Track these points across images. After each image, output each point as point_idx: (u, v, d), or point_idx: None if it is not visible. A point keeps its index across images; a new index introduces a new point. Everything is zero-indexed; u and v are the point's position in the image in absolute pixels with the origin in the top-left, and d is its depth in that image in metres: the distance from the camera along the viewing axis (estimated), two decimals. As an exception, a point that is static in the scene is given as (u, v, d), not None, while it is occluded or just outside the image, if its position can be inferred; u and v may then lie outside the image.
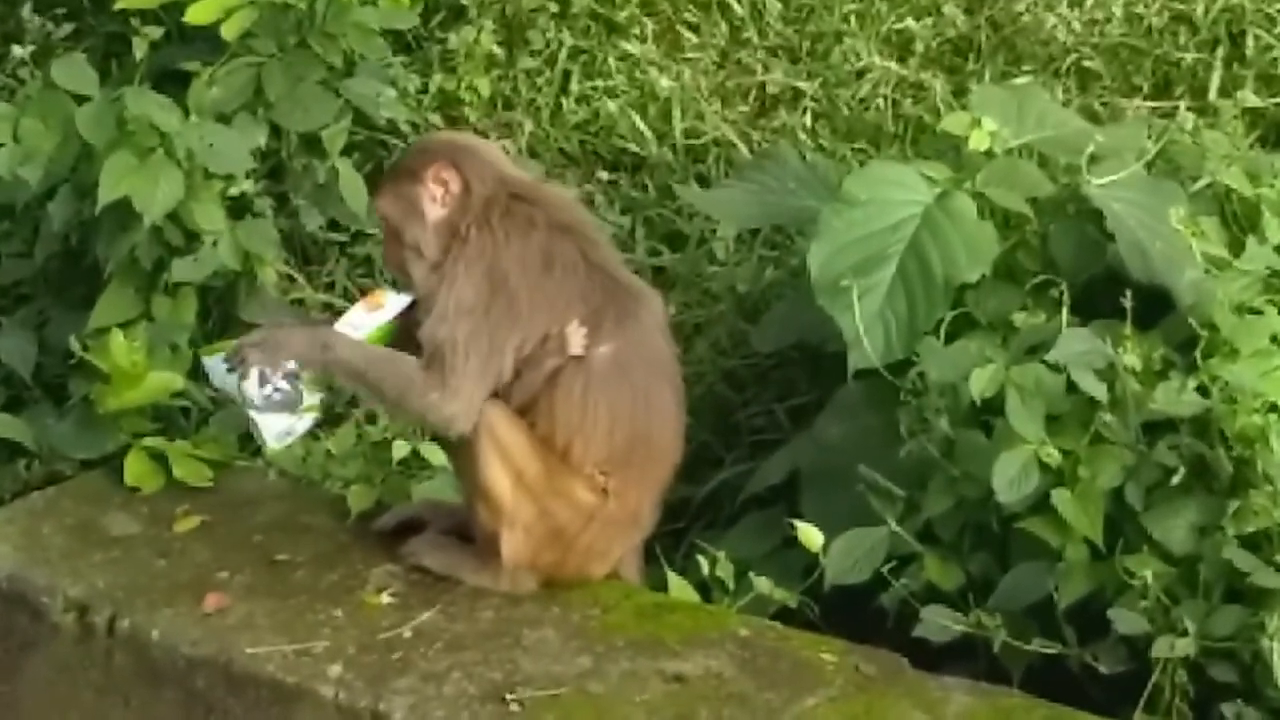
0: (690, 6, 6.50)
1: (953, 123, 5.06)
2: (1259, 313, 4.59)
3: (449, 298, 4.23)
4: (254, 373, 4.26)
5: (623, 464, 4.29)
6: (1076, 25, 6.22)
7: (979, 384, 4.51)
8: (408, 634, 4.23)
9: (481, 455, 4.22)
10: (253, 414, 4.32)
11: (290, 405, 4.29)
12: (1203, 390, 4.40)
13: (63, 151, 5.30)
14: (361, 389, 4.34)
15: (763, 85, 6.38)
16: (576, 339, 4.25)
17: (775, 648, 4.17)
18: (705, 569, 4.48)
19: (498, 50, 6.36)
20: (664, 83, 6.29)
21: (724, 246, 5.86)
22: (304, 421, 4.35)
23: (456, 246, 4.26)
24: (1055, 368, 4.50)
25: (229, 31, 5.47)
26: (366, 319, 4.34)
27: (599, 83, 6.37)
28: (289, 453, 4.82)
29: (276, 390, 4.27)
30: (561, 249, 4.27)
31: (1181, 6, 6.20)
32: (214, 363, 4.37)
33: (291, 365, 4.27)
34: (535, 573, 4.34)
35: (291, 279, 5.78)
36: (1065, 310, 4.65)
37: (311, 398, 4.31)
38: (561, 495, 4.27)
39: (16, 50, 5.77)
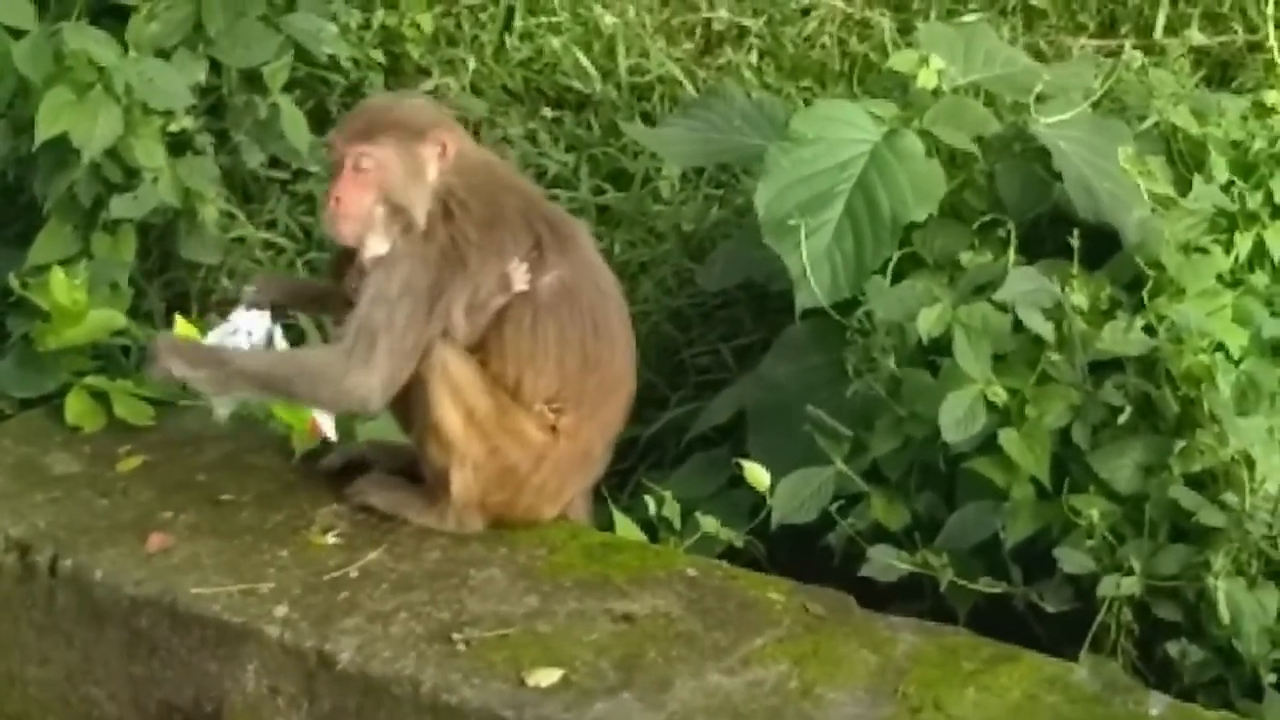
0: (634, -58, 6.47)
1: (900, 61, 5.05)
2: (1205, 252, 4.60)
3: (392, 280, 4.17)
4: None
5: (575, 397, 4.27)
6: (1022, -37, 6.21)
7: (926, 323, 4.50)
8: (354, 574, 4.21)
9: (433, 392, 4.19)
10: None
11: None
12: (1149, 330, 4.42)
13: (-1, 87, 5.24)
14: (268, 394, 4.29)
15: (708, 22, 6.35)
16: (519, 275, 4.23)
17: (723, 587, 4.17)
18: (652, 509, 4.47)
19: (440, -15, 6.32)
20: (608, 19, 6.26)
21: (669, 185, 5.84)
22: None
23: (411, 224, 4.20)
24: (1002, 307, 4.50)
25: (168, -35, 5.41)
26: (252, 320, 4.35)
27: (543, 19, 6.33)
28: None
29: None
30: (504, 204, 4.25)
31: (1126, -56, 6.20)
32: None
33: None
34: (484, 513, 4.32)
35: (232, 216, 5.73)
36: (1012, 249, 4.65)
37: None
38: (513, 434, 4.25)
39: (-49, -17, 5.69)
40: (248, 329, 4.33)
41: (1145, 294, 4.49)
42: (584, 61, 6.21)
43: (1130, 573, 4.17)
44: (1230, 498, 4.18)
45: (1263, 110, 4.88)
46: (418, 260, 4.18)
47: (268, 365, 4.26)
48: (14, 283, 4.95)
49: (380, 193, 4.19)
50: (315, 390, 4.24)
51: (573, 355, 4.25)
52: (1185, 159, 4.84)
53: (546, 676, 3.90)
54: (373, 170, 4.18)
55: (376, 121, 4.24)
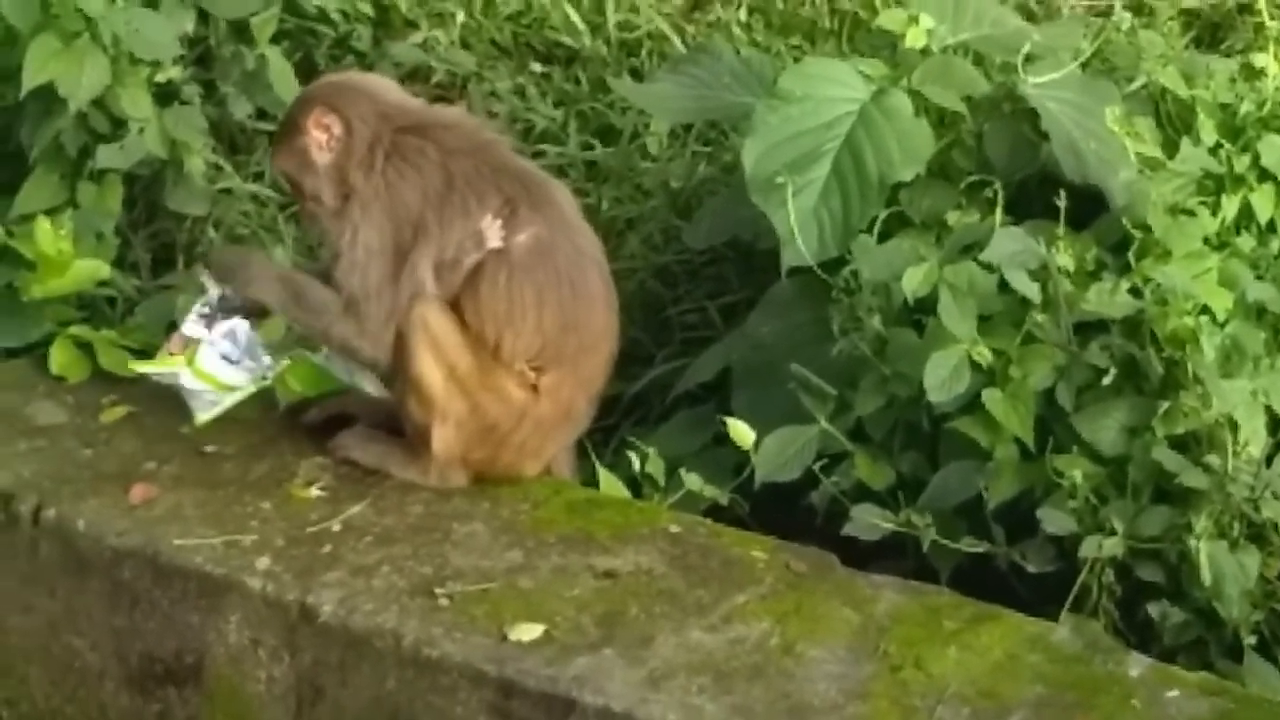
0: (624, -104, 6.44)
1: (890, 19, 5.02)
2: (1192, 214, 4.59)
3: (355, 245, 4.26)
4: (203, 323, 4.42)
5: (555, 356, 4.27)
6: (1013, -78, 6.18)
7: (912, 283, 4.50)
8: (337, 527, 4.21)
9: (414, 348, 4.20)
10: (183, 385, 4.40)
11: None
12: (1135, 291, 4.41)
13: (-16, 35, 5.21)
14: (298, 324, 4.41)
15: (697, -22, 6.33)
16: (493, 232, 4.23)
17: (706, 544, 4.18)
18: (636, 465, 4.47)
19: (430, -63, 6.28)
20: (598, -26, 6.23)
21: (657, 141, 5.82)
22: (233, 396, 4.40)
23: (352, 192, 4.27)
24: (988, 267, 4.50)
25: (156, -86, 5.37)
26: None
27: (532, -27, 6.30)
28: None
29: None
30: (459, 165, 4.27)
31: (1120, -97, 6.18)
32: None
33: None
34: (466, 468, 4.32)
35: (219, 167, 5.70)
36: (999, 210, 4.64)
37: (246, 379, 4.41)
38: (493, 391, 4.25)
39: (-65, -70, 5.65)
40: (225, 334, 4.39)
41: (1131, 255, 4.48)
42: (573, 16, 6.19)
43: (1112, 534, 4.17)
44: (1213, 460, 4.18)
45: (1251, 73, 4.87)
46: (370, 224, 4.25)
47: (315, 311, 4.33)
48: (-1, 232, 4.94)
49: (305, 195, 4.36)
50: (329, 337, 4.35)
51: (551, 315, 4.25)
52: (1173, 121, 4.82)
53: (528, 631, 3.91)
54: (291, 180, 4.39)
55: (275, 137, 4.51)
